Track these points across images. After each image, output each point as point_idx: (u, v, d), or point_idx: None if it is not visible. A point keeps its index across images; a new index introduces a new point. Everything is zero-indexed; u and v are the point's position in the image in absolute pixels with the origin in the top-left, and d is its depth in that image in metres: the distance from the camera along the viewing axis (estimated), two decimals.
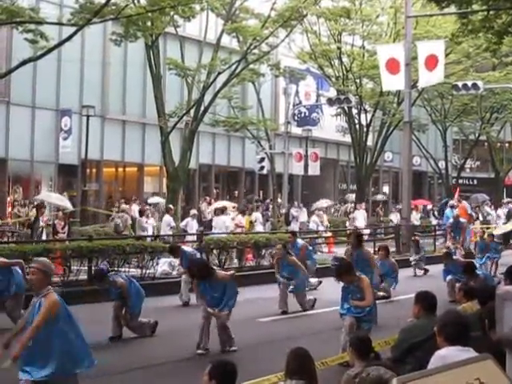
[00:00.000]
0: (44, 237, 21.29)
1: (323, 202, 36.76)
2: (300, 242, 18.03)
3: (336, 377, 7.09)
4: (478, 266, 20.53)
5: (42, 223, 21.88)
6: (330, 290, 15.89)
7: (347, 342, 9.49)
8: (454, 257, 18.29)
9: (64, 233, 21.08)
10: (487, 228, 25.72)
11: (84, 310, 14.08)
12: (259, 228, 26.69)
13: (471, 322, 5.53)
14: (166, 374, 9.85)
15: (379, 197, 46.97)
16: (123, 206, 27.34)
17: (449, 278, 16.02)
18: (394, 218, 34.49)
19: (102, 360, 10.40)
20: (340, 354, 8.81)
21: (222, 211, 24.50)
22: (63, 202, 27.55)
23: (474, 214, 31.26)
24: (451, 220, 25.39)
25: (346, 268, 10.41)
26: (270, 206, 34.45)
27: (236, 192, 41.54)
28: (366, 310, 10.20)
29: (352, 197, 40.41)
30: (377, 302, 15.80)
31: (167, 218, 23.39)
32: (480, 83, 29.64)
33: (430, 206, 42.16)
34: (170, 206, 25.44)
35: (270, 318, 13.94)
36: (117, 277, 12.31)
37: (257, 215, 27.42)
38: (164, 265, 18.24)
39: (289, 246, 15.91)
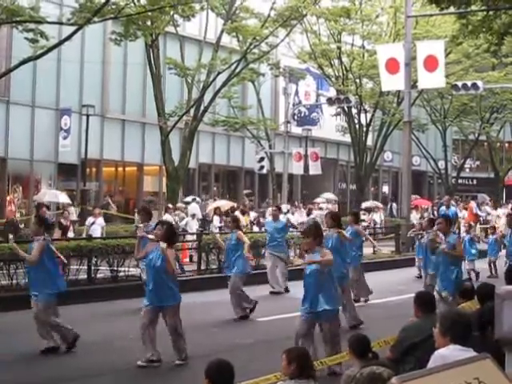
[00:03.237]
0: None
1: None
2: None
3: (334, 377, 7.11)
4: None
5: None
6: None
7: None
8: None
9: (71, 231, 21.13)
10: (491, 227, 25.68)
11: (84, 309, 14.14)
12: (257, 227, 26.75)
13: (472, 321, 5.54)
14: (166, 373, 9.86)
15: (415, 196, 46.53)
16: (179, 204, 27.43)
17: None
18: (378, 218, 34.46)
19: (99, 360, 10.46)
20: None
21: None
22: (56, 197, 27.73)
23: (480, 214, 31.38)
24: (442, 208, 25.09)
25: None
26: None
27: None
28: None
29: (328, 195, 40.27)
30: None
31: (167, 217, 23.40)
32: (480, 83, 29.61)
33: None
34: (170, 205, 25.45)
35: (268, 317, 13.94)
36: None
37: (254, 215, 27.44)
38: None
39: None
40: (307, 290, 9.26)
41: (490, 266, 21.02)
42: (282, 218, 23.85)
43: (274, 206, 21.79)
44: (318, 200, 37.36)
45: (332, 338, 9.28)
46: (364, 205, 37.50)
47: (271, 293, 17.09)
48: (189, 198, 31.16)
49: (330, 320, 9.35)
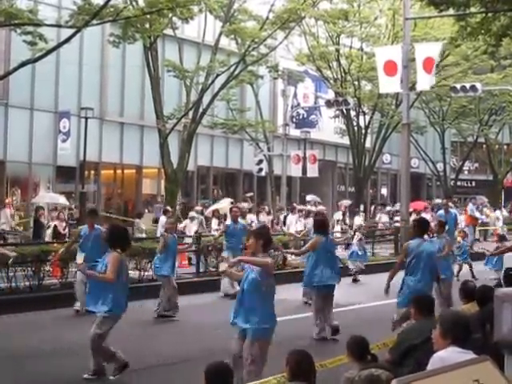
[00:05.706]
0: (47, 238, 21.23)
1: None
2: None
3: (335, 379, 7.08)
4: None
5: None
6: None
7: None
8: None
9: (65, 234, 21.07)
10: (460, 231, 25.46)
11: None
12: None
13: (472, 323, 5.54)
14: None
15: (437, 200, 46.54)
16: (197, 207, 27.44)
17: None
18: (358, 221, 34.49)
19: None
20: None
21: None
22: (57, 200, 27.74)
23: (478, 215, 31.31)
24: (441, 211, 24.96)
25: None
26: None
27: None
28: None
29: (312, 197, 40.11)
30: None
31: (163, 219, 23.37)
32: (478, 85, 29.64)
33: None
34: (168, 207, 25.43)
35: None
36: None
37: (251, 217, 27.38)
38: None
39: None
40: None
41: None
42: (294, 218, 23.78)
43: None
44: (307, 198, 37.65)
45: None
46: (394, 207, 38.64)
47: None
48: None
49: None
